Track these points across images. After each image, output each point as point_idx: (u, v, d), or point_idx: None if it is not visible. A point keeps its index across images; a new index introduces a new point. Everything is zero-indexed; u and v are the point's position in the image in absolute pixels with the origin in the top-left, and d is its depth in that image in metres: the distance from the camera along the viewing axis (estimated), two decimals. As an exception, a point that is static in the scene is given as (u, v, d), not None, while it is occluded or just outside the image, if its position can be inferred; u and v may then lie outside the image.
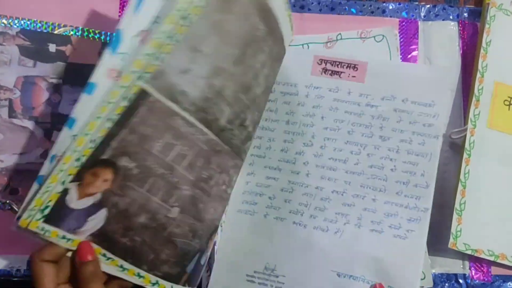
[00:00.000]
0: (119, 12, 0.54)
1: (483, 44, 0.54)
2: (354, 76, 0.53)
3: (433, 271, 0.53)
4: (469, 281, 0.53)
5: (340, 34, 0.56)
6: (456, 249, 0.51)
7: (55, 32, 0.52)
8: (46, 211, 0.37)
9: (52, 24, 0.52)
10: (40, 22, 0.52)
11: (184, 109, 0.41)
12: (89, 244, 0.39)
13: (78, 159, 0.38)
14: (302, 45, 0.56)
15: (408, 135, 0.52)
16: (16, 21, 0.51)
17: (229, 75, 0.44)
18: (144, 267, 0.42)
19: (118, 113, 0.38)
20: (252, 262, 0.51)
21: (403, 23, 0.58)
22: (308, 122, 0.53)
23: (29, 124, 0.51)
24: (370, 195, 0.51)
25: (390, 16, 0.58)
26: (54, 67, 0.52)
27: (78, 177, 0.38)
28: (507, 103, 0.54)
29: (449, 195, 0.52)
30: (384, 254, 0.50)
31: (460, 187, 0.52)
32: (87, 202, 0.39)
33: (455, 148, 0.54)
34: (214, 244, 0.51)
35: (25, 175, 0.50)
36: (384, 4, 0.58)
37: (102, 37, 0.53)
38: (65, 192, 0.38)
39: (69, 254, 0.39)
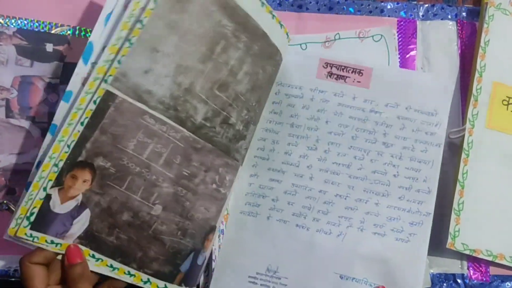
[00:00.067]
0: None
1: (482, 44, 0.54)
2: (359, 82, 0.54)
3: (431, 271, 0.53)
4: (467, 281, 0.53)
5: (338, 33, 0.56)
6: (454, 249, 0.51)
7: (52, 31, 0.52)
8: (32, 218, 0.39)
9: (49, 23, 0.52)
10: (37, 21, 0.52)
11: (153, 107, 0.43)
12: (77, 247, 0.40)
13: (56, 165, 0.39)
14: (300, 44, 0.56)
15: (411, 143, 0.52)
16: (13, 21, 0.51)
17: (198, 72, 0.45)
18: (134, 265, 0.42)
19: (88, 116, 0.40)
20: (255, 263, 0.51)
21: (402, 23, 0.57)
22: (312, 125, 0.53)
23: (26, 124, 0.51)
24: (373, 199, 0.51)
25: (389, 16, 0.58)
26: (51, 67, 0.52)
27: (59, 182, 0.39)
28: (505, 103, 0.54)
29: (447, 195, 0.52)
30: (386, 257, 0.50)
31: (458, 187, 0.52)
32: (70, 205, 0.40)
33: (453, 148, 0.54)
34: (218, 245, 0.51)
35: (22, 175, 0.50)
36: (383, 3, 0.58)
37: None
38: (48, 197, 0.39)
39: (59, 257, 0.40)
